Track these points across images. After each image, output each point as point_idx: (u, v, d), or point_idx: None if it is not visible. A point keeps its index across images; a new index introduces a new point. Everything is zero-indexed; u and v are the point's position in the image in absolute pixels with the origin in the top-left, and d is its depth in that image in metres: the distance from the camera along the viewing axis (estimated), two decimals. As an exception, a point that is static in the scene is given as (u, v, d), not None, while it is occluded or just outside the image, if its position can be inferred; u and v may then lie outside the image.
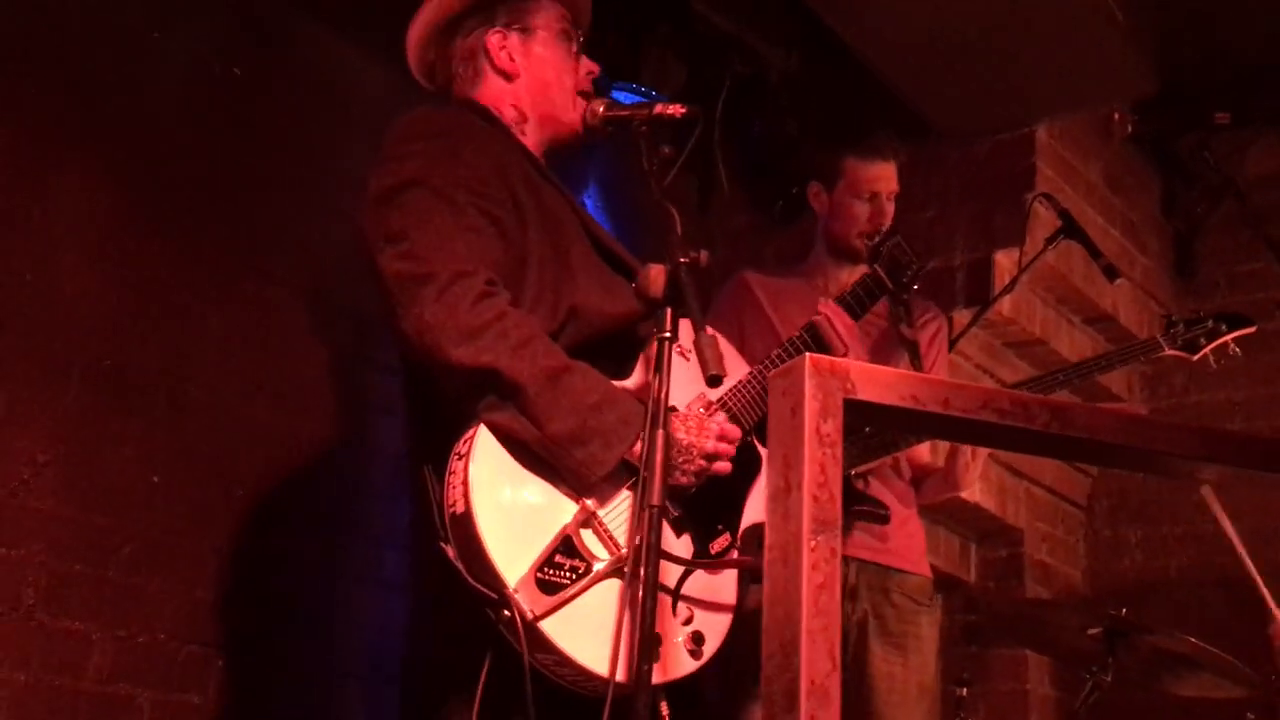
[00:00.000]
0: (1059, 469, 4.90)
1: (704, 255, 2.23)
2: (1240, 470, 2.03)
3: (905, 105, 4.43)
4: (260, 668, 3.22)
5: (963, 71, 4.25)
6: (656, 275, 2.20)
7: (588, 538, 2.22)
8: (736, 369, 2.53)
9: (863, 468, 3.29)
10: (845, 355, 2.87)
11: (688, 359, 2.28)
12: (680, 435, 2.30)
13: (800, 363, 1.73)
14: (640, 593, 2.07)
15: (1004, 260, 4.31)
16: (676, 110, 2.48)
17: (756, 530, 2.36)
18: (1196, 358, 3.33)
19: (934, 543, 4.52)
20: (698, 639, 2.28)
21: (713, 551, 2.36)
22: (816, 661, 1.63)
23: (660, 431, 2.12)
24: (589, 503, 2.24)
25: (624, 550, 2.23)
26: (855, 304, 2.97)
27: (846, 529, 3.30)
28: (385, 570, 3.48)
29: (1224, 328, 3.31)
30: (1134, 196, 4.96)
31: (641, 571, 2.08)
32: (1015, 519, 4.69)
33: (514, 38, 2.61)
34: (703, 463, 2.32)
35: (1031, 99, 4.34)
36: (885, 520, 3.30)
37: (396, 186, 2.30)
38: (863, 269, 3.46)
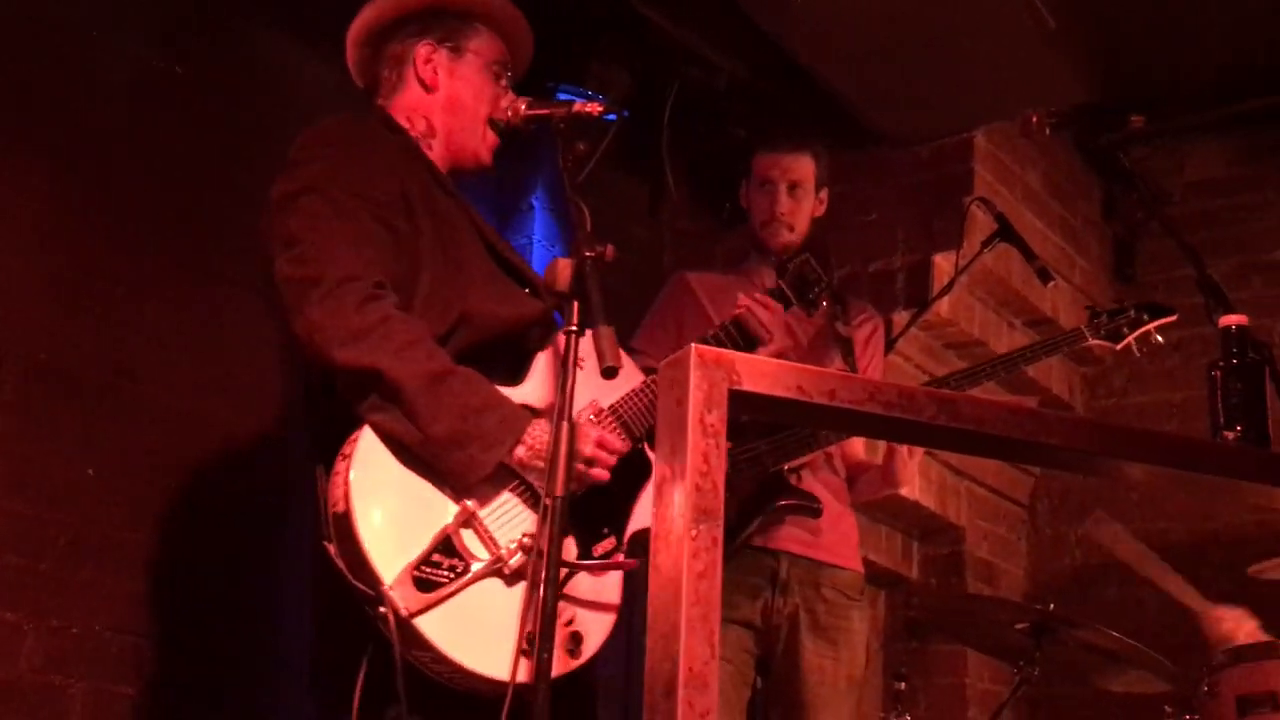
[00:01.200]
0: (1001, 468, 4.97)
1: (610, 250, 2.30)
2: (1133, 464, 2.09)
3: (849, 112, 4.50)
4: (197, 660, 3.25)
5: (904, 79, 4.32)
6: (563, 269, 2.27)
7: (468, 538, 2.28)
8: (631, 377, 2.57)
9: (795, 462, 3.35)
10: (770, 342, 2.93)
11: (582, 367, 2.32)
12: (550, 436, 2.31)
13: (686, 354, 1.78)
14: (540, 587, 2.13)
15: (942, 263, 4.38)
16: (594, 108, 2.54)
17: (643, 535, 2.41)
18: (1119, 347, 3.37)
19: (876, 539, 4.59)
20: (576, 639, 2.33)
21: (596, 554, 2.41)
22: (695, 649, 1.67)
23: (564, 424, 2.19)
24: (470, 503, 2.29)
25: (503, 550, 2.29)
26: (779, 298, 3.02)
27: (779, 523, 3.35)
28: (327, 565, 3.51)
29: (1145, 317, 3.36)
30: (1074, 201, 5.04)
31: (544, 563, 2.14)
32: (956, 517, 4.75)
33: (443, 53, 2.67)
34: (580, 467, 2.34)
35: (970, 105, 4.42)
36: (817, 514, 3.34)
37: (294, 192, 2.38)
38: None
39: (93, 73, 3.27)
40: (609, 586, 2.42)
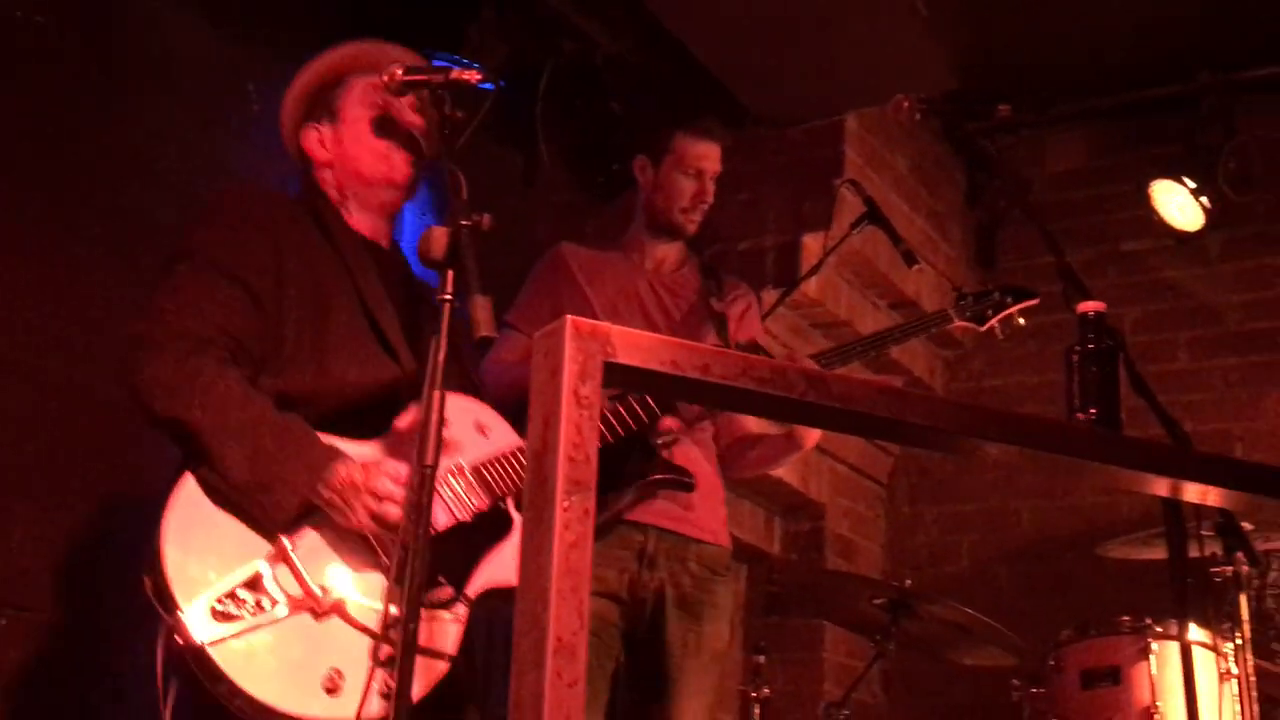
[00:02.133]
0: (863, 447, 5.08)
1: (486, 219, 2.29)
2: (992, 444, 2.16)
3: (724, 90, 4.54)
4: (50, 630, 3.18)
5: (779, 61, 4.38)
6: (439, 237, 2.25)
7: (279, 575, 2.31)
8: (505, 436, 2.61)
9: (668, 436, 3.36)
10: None
11: (448, 427, 2.34)
12: (356, 476, 2.36)
13: (561, 325, 1.78)
14: (410, 569, 2.10)
15: (811, 243, 4.45)
16: (473, 76, 2.51)
17: (490, 595, 2.42)
18: (984, 328, 3.43)
19: (739, 516, 4.65)
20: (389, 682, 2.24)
21: (430, 602, 2.36)
22: (565, 619, 1.67)
23: (436, 393, 2.18)
24: (285, 542, 2.33)
25: (316, 589, 2.31)
26: None
27: (649, 497, 3.36)
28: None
29: (1009, 300, 3.43)
30: (939, 187, 5.16)
31: (417, 533, 2.11)
32: (818, 494, 4.85)
33: (326, 129, 2.74)
34: (371, 501, 2.35)
35: (842, 89, 4.50)
36: (689, 489, 3.35)
37: (173, 255, 2.51)
38: (674, 243, 3.55)
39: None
40: (443, 636, 2.39)
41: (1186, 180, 4.57)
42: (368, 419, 2.48)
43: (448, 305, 2.24)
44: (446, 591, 2.41)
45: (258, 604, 2.27)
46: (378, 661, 2.21)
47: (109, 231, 3.45)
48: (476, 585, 2.44)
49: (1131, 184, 4.99)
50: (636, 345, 1.83)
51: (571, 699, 1.68)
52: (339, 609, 2.32)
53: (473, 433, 2.57)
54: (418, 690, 2.28)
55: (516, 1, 4.32)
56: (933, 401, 2.07)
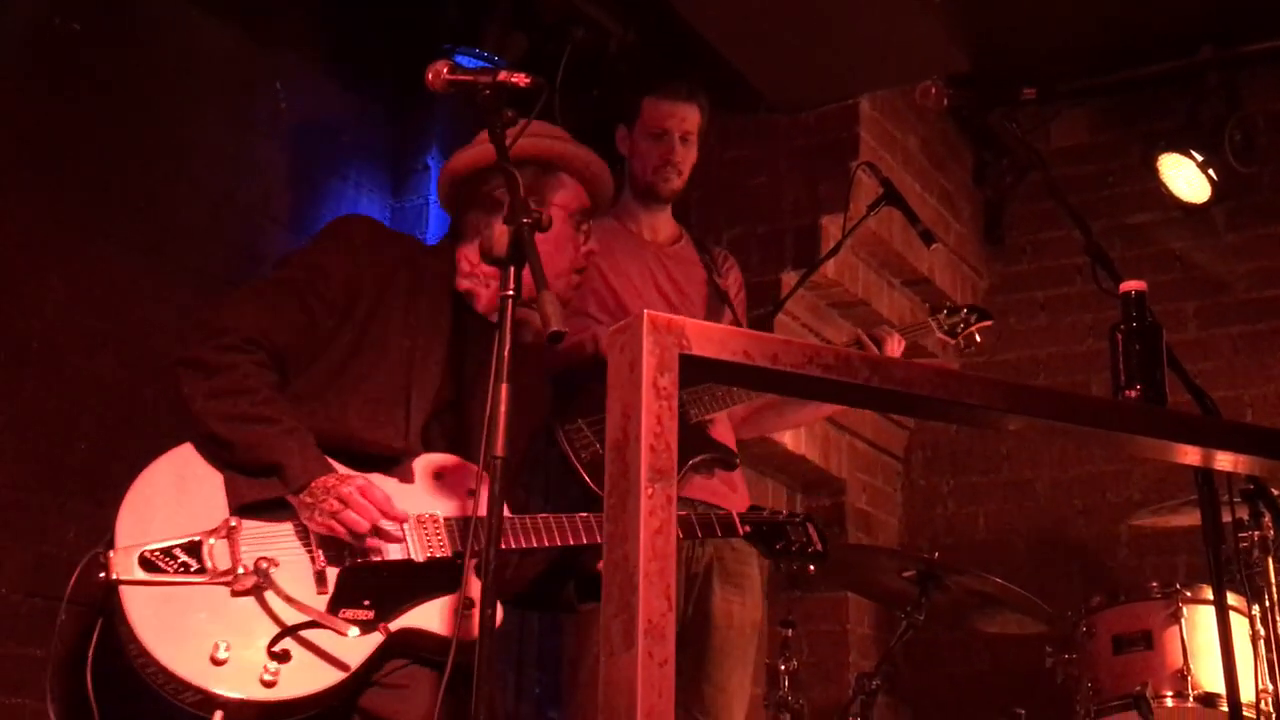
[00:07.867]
0: (878, 422, 5.16)
1: (546, 215, 2.36)
2: (1040, 420, 2.24)
3: (737, 76, 4.59)
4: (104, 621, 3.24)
5: (791, 45, 4.42)
6: (500, 235, 2.31)
7: (218, 547, 2.37)
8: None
9: (709, 415, 3.44)
10: None
11: (411, 482, 2.57)
12: (331, 482, 2.42)
13: (638, 320, 1.85)
14: (477, 560, 2.23)
15: (830, 225, 4.51)
16: (521, 79, 2.54)
17: (406, 633, 2.42)
18: (954, 341, 3.70)
19: (762, 492, 4.73)
20: (271, 671, 2.30)
21: (341, 617, 2.38)
22: (653, 602, 1.74)
23: (504, 385, 2.24)
24: (234, 521, 2.40)
25: (242, 569, 2.35)
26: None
27: (694, 472, 3.43)
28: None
29: (973, 319, 3.65)
30: (948, 167, 5.23)
31: (485, 528, 2.20)
32: (838, 470, 4.93)
33: None
34: (335, 504, 2.40)
35: (855, 73, 4.55)
36: (734, 466, 3.46)
37: (275, 262, 2.73)
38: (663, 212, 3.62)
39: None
40: (350, 651, 2.37)
41: (1194, 153, 4.65)
42: (359, 466, 2.53)
43: (510, 301, 2.31)
44: (366, 614, 2.40)
45: (185, 565, 2.33)
46: (270, 654, 2.28)
47: (145, 233, 3.51)
48: (401, 621, 2.42)
49: (1135, 158, 5.09)
50: (709, 337, 1.90)
51: (663, 678, 1.75)
52: (256, 593, 2.34)
53: (464, 492, 2.59)
54: (306, 688, 2.31)
55: (530, -8, 4.36)
56: (985, 383, 2.14)
